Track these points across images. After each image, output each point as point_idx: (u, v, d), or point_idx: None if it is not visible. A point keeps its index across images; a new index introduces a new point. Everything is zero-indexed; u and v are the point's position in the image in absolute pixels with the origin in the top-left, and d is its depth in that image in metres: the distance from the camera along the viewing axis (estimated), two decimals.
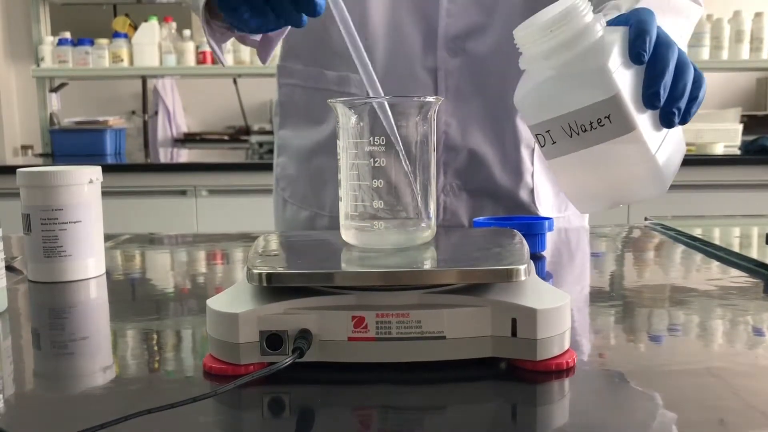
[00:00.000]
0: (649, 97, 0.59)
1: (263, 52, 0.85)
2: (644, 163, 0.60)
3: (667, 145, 0.63)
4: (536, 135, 0.62)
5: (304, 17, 0.64)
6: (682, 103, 0.61)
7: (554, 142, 0.61)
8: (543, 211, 1.04)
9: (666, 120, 0.61)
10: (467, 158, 0.99)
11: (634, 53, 0.59)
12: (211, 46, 0.84)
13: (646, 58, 0.59)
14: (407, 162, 0.55)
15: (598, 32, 0.59)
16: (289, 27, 0.76)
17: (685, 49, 0.66)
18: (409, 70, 0.96)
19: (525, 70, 0.63)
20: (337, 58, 0.99)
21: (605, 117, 0.58)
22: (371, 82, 0.59)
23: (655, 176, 0.62)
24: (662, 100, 0.59)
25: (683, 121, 0.63)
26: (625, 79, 0.59)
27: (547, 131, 0.61)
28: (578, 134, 0.59)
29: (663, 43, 0.61)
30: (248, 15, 0.67)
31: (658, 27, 0.62)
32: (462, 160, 0.99)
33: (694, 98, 0.63)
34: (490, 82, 0.96)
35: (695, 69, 0.63)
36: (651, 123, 0.61)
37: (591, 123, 0.59)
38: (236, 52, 3.06)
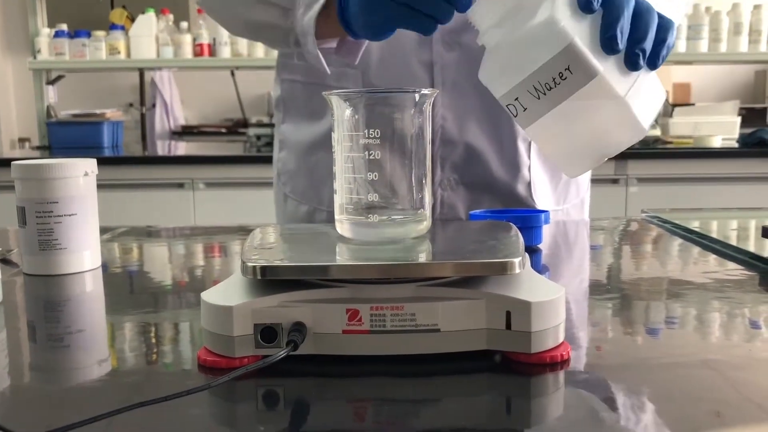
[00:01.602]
0: (606, 41, 0.58)
1: (354, 54, 0.86)
2: (616, 108, 0.60)
3: (639, 89, 0.61)
4: (507, 106, 0.61)
5: (452, 10, 0.66)
6: (647, 45, 0.60)
7: (525, 109, 0.60)
8: (540, 204, 1.04)
9: (631, 62, 0.60)
10: (464, 152, 0.99)
11: (582, 2, 0.58)
12: (319, 62, 0.84)
13: (596, 5, 0.58)
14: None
15: None
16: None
17: (676, 20, 0.65)
18: (405, 64, 0.96)
19: (485, 48, 0.63)
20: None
21: (565, 69, 0.57)
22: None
23: (630, 119, 0.61)
24: (621, 43, 0.59)
25: (652, 64, 0.62)
26: (579, 29, 0.58)
27: (516, 99, 0.60)
28: (545, 94, 0.59)
29: None
30: (394, 23, 0.70)
31: None
32: (459, 153, 0.99)
33: (661, 41, 0.62)
34: None
35: (661, 15, 0.62)
36: (617, 69, 0.60)
37: (554, 79, 0.58)
38: (233, 45, 3.05)
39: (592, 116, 0.60)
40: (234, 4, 0.93)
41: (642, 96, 0.62)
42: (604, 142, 0.64)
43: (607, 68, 0.58)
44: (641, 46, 0.60)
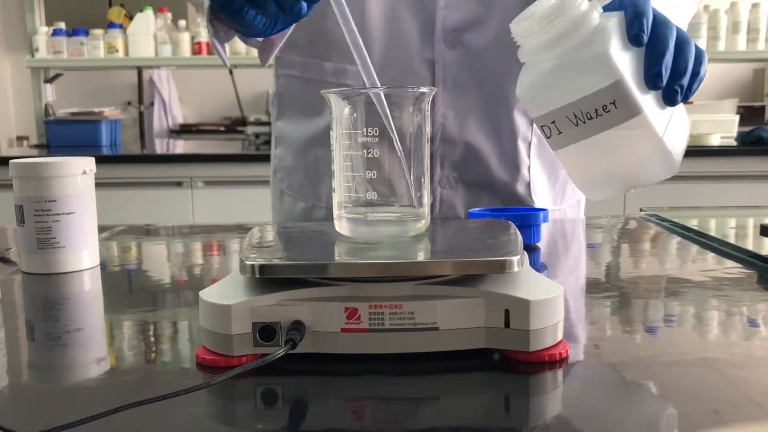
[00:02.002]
0: (651, 78, 0.59)
1: (265, 54, 0.85)
2: (653, 145, 0.60)
3: (673, 125, 0.62)
4: (542, 127, 0.62)
5: (304, 5, 0.64)
6: (685, 81, 0.61)
7: (560, 132, 0.61)
8: (539, 204, 1.04)
9: (669, 98, 0.61)
10: (464, 151, 0.99)
11: (632, 35, 0.59)
12: (214, 47, 0.83)
13: (645, 39, 0.59)
14: (401, 152, 0.55)
15: (595, 19, 0.59)
16: (291, 28, 0.77)
17: (684, 27, 0.66)
18: (407, 62, 0.96)
19: (524, 63, 0.63)
20: (335, 50, 0.99)
21: (610, 103, 0.58)
22: (368, 72, 0.59)
23: (665, 157, 0.62)
24: (665, 80, 0.59)
25: (685, 97, 0.62)
26: (626, 62, 0.59)
27: (553, 122, 0.61)
28: (584, 122, 0.59)
29: (660, 23, 0.60)
30: (252, 14, 0.67)
31: (654, 8, 0.61)
32: (459, 152, 0.99)
33: (695, 74, 0.62)
34: (487, 74, 0.96)
35: (696, 46, 0.63)
36: (656, 104, 0.61)
37: (596, 110, 0.58)
38: (232, 43, 3.03)
39: (627, 149, 0.61)
40: None
41: (675, 131, 0.62)
42: (633, 176, 0.64)
43: (647, 104, 0.59)
44: (681, 82, 0.60)
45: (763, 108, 3.35)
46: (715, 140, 2.70)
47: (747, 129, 2.77)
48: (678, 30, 0.62)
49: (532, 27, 0.60)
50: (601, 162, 0.62)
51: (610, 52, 0.58)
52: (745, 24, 3.02)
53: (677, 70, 0.60)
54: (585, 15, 0.59)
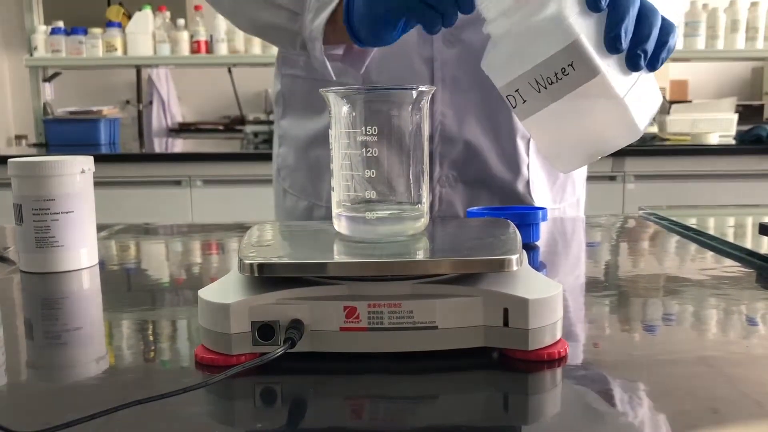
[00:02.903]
0: (610, 41, 0.59)
1: (359, 63, 0.86)
2: (614, 107, 0.60)
3: (637, 90, 0.62)
4: (506, 96, 0.62)
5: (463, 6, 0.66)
6: (649, 46, 0.61)
7: (524, 101, 0.61)
8: (538, 202, 1.04)
9: (632, 63, 0.60)
10: (463, 149, 0.99)
11: (590, 0, 0.59)
12: (325, 68, 0.84)
13: (604, 3, 0.59)
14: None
15: None
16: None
17: (676, 22, 0.66)
18: (406, 60, 0.96)
19: (490, 36, 0.63)
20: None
21: (568, 65, 0.58)
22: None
23: (627, 121, 0.61)
24: (624, 43, 0.59)
25: (652, 66, 0.62)
26: (585, 27, 0.59)
27: (516, 90, 0.61)
28: (545, 88, 0.59)
29: None
30: (401, 28, 0.71)
31: None
32: (458, 151, 0.99)
33: (663, 43, 0.62)
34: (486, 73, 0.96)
35: (664, 18, 0.63)
36: (618, 69, 0.60)
37: (556, 74, 0.58)
38: (230, 42, 3.04)
39: (590, 114, 0.61)
40: (243, 4, 0.93)
41: (640, 98, 0.62)
42: (599, 141, 0.64)
43: (608, 67, 0.59)
44: (643, 47, 0.60)
45: (761, 107, 3.35)
46: (713, 139, 2.70)
47: (746, 128, 2.77)
48: (643, 0, 0.62)
49: None
50: (566, 129, 0.62)
51: (565, 13, 0.58)
52: (744, 23, 3.02)
53: (640, 36, 0.60)
54: None
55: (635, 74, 0.62)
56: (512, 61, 0.60)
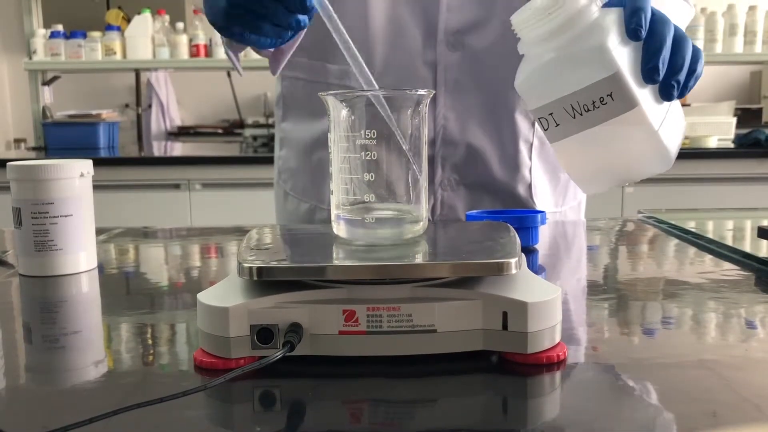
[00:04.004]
0: (648, 72, 0.59)
1: (274, 64, 0.86)
2: (648, 139, 0.61)
3: (669, 120, 0.63)
4: (539, 119, 0.62)
5: (300, 18, 0.66)
6: (682, 76, 0.62)
7: (557, 125, 0.61)
8: (540, 205, 1.04)
9: (665, 93, 0.61)
10: (465, 152, 0.99)
11: (630, 29, 0.59)
12: (229, 58, 0.84)
13: (644, 33, 0.59)
14: (409, 153, 0.55)
15: (594, 12, 0.60)
16: (300, 37, 0.78)
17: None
18: (409, 64, 0.96)
19: (524, 55, 0.63)
20: (339, 51, 0.99)
21: (607, 95, 0.58)
22: (365, 78, 0.59)
23: (660, 152, 0.62)
24: (662, 74, 0.60)
25: (681, 94, 0.63)
26: (624, 56, 0.59)
27: (550, 114, 0.61)
28: (581, 114, 0.60)
29: (658, 20, 0.61)
30: (254, 36, 0.69)
31: (653, 7, 0.62)
32: (460, 154, 0.99)
33: (692, 71, 0.63)
34: (489, 76, 0.96)
35: (694, 45, 0.64)
36: (652, 99, 0.61)
37: (593, 102, 0.59)
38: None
39: (623, 143, 0.61)
40: None
41: (671, 126, 0.63)
42: (630, 169, 0.65)
43: (643, 98, 0.59)
44: (677, 77, 0.61)
45: (760, 110, 3.36)
46: (712, 142, 2.70)
47: (744, 131, 2.77)
48: (676, 28, 0.63)
49: (531, 18, 0.61)
50: (597, 155, 0.63)
51: (608, 44, 0.58)
52: (742, 26, 3.03)
53: (674, 66, 0.61)
54: (584, 8, 0.60)
55: (667, 103, 0.62)
56: (549, 84, 0.61)
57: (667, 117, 0.63)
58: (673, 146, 0.63)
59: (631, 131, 0.60)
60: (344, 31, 0.61)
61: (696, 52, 0.64)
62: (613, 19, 0.60)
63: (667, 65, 0.61)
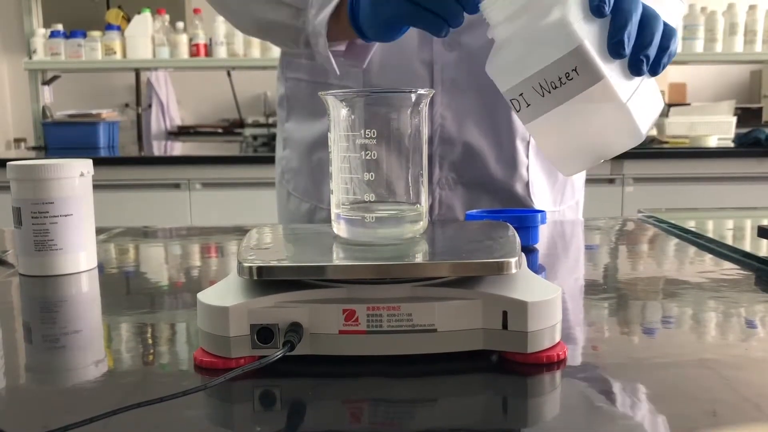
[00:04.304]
0: (613, 46, 0.59)
1: (362, 58, 0.87)
2: (617, 112, 0.61)
3: (640, 95, 0.63)
4: (510, 100, 0.62)
5: (461, 13, 0.68)
6: (651, 51, 0.61)
7: (528, 105, 0.61)
8: (538, 204, 1.04)
9: (635, 68, 0.61)
10: (462, 151, 0.99)
11: (594, 6, 0.59)
12: (329, 63, 0.85)
13: (607, 10, 0.59)
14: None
15: None
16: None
17: (675, 26, 0.66)
18: (406, 63, 0.96)
19: (494, 41, 0.64)
20: None
21: (572, 70, 0.59)
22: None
23: (630, 125, 0.62)
24: (627, 48, 0.60)
25: (654, 71, 0.63)
26: (589, 32, 0.59)
27: (520, 94, 0.61)
28: (549, 92, 0.60)
29: None
30: (403, 27, 0.72)
31: None
32: (457, 153, 0.99)
33: (664, 48, 0.63)
34: (485, 75, 0.96)
35: (665, 23, 0.64)
36: (621, 74, 0.61)
37: (560, 78, 0.59)
38: (229, 45, 3.05)
39: (593, 118, 0.61)
40: (246, 3, 0.93)
41: (642, 102, 0.62)
42: (601, 145, 0.64)
43: (611, 72, 0.59)
44: (645, 52, 0.61)
45: (760, 110, 3.36)
46: (712, 142, 2.70)
47: (744, 131, 2.77)
48: (645, 6, 0.62)
49: (495, 2, 0.61)
50: (570, 132, 0.63)
51: (569, 18, 0.58)
52: (742, 26, 3.03)
53: (642, 41, 0.61)
54: None
55: (637, 79, 0.62)
56: (516, 65, 0.61)
57: (637, 91, 0.62)
58: (644, 121, 0.63)
59: (600, 106, 0.60)
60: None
61: (668, 30, 0.64)
62: None
63: (635, 40, 0.60)
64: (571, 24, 0.58)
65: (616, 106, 0.60)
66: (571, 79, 0.59)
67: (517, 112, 0.62)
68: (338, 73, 0.88)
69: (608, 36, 0.60)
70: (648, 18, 0.62)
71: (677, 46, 0.65)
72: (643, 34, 0.61)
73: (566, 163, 0.67)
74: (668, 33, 0.63)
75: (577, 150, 0.65)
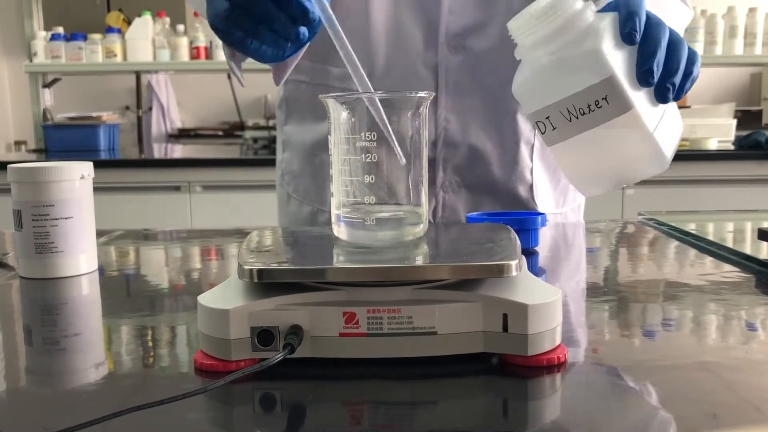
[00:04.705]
0: (643, 75, 0.60)
1: (278, 75, 0.85)
2: (644, 141, 0.61)
3: (665, 122, 0.63)
4: (536, 122, 0.63)
5: (303, 31, 0.65)
6: (677, 79, 0.62)
7: (554, 128, 0.62)
8: (542, 207, 1.04)
9: (661, 95, 0.62)
10: (467, 154, 0.99)
11: (625, 33, 0.60)
12: (230, 68, 0.83)
13: (638, 37, 0.60)
14: (401, 155, 0.55)
15: (589, 17, 0.61)
16: (302, 52, 0.76)
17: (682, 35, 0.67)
18: (411, 66, 0.96)
19: (521, 61, 0.64)
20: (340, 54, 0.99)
21: (602, 98, 0.59)
22: (360, 80, 0.59)
23: (656, 154, 0.63)
24: (656, 77, 0.60)
25: (677, 96, 0.64)
26: (619, 60, 0.60)
27: (547, 117, 0.62)
28: (577, 118, 0.60)
29: (653, 24, 0.62)
30: (256, 44, 0.67)
31: (648, 11, 0.63)
32: (461, 156, 0.99)
33: (688, 74, 0.64)
34: (490, 78, 0.97)
35: (689, 48, 0.64)
36: (648, 101, 0.62)
37: (589, 106, 0.60)
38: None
39: (619, 145, 0.62)
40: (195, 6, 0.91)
41: (666, 128, 0.63)
42: (626, 170, 0.65)
43: (639, 101, 0.60)
44: (672, 80, 0.62)
45: (760, 112, 3.36)
46: (712, 144, 2.70)
47: (744, 133, 2.77)
48: (671, 31, 0.63)
49: (527, 24, 0.61)
50: (594, 157, 0.63)
51: (602, 48, 0.59)
52: (742, 28, 3.03)
53: (669, 69, 0.62)
54: (579, 13, 0.60)
55: (663, 106, 0.63)
56: (545, 89, 0.62)
57: (662, 119, 0.63)
58: (669, 148, 0.64)
59: (627, 134, 0.61)
60: (348, 45, 0.60)
61: (692, 54, 0.64)
62: (607, 23, 0.61)
63: (662, 68, 0.61)
64: (604, 53, 0.59)
65: (643, 134, 0.61)
66: (601, 107, 0.59)
67: (542, 134, 0.63)
68: (243, 85, 0.86)
69: (637, 64, 0.60)
70: (674, 44, 0.62)
71: (699, 69, 0.65)
72: (670, 62, 0.62)
73: (588, 185, 0.68)
74: (692, 58, 0.64)
75: (600, 174, 0.66)
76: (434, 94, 0.60)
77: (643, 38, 0.60)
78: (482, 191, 1.02)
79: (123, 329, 0.62)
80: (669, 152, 0.64)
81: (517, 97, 0.64)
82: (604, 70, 0.59)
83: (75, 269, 0.79)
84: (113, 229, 1.09)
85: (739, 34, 3.03)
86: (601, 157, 0.63)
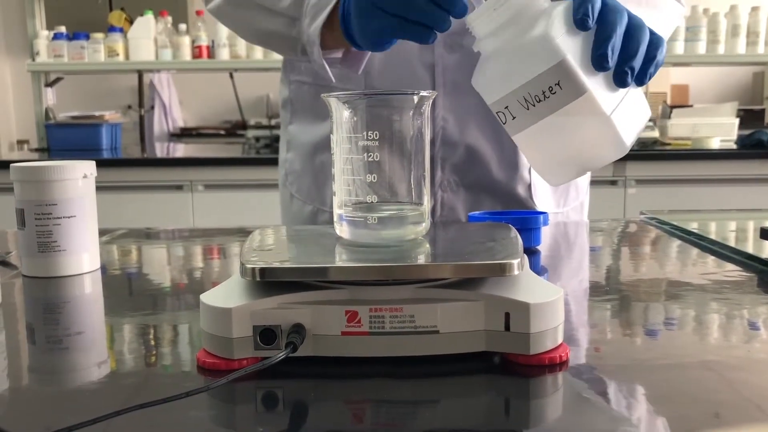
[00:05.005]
0: (597, 59, 0.59)
1: (357, 65, 0.87)
2: (601, 125, 0.61)
3: (624, 107, 0.63)
4: (497, 113, 0.63)
5: (449, 20, 0.68)
6: (636, 63, 0.61)
7: (514, 118, 0.62)
8: (540, 206, 1.04)
9: (619, 80, 0.61)
10: (465, 153, 0.99)
11: (578, 19, 0.60)
12: (325, 71, 0.86)
13: (591, 22, 0.59)
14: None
15: (542, 5, 0.61)
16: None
17: (665, 35, 0.66)
18: (407, 66, 0.96)
19: (480, 54, 0.64)
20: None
21: (555, 84, 0.59)
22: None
23: (614, 138, 0.62)
24: (611, 61, 0.60)
25: (640, 81, 0.63)
26: (573, 46, 0.60)
27: (506, 107, 0.62)
28: (534, 106, 0.60)
29: (610, 9, 0.61)
30: (390, 34, 0.72)
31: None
32: (459, 155, 0.99)
33: (651, 59, 0.63)
34: None
35: (652, 33, 0.63)
36: (606, 86, 0.61)
37: (543, 92, 0.59)
38: (232, 47, 3.05)
39: (578, 131, 0.61)
40: (242, 13, 0.94)
41: (627, 113, 0.63)
42: (586, 156, 0.65)
43: (595, 85, 0.60)
44: (630, 63, 0.61)
45: (762, 111, 3.35)
46: (715, 143, 2.70)
47: (747, 132, 2.77)
48: (631, 16, 0.62)
49: (483, 15, 0.62)
50: (554, 145, 0.63)
51: (552, 33, 0.59)
52: (745, 27, 3.03)
53: (627, 53, 0.61)
54: (533, 1, 0.60)
55: (622, 91, 0.62)
56: (501, 78, 0.62)
57: (622, 103, 0.62)
58: (629, 133, 0.63)
59: (584, 119, 0.60)
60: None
61: (655, 39, 0.63)
62: (560, 10, 0.60)
63: (620, 52, 0.60)
64: (553, 38, 0.59)
65: (600, 119, 0.60)
66: (555, 93, 0.59)
67: (504, 124, 0.63)
68: (334, 80, 0.88)
69: (592, 49, 0.60)
70: (633, 28, 0.62)
71: (665, 54, 0.65)
72: (628, 46, 0.61)
73: (552, 173, 0.68)
74: (655, 42, 0.63)
75: (563, 161, 0.66)
76: (436, 93, 0.60)
77: (598, 23, 0.60)
78: (481, 190, 1.02)
79: (125, 328, 0.62)
80: (628, 137, 0.63)
81: (477, 89, 0.64)
82: (554, 55, 0.58)
83: (77, 268, 0.79)
84: (115, 228, 1.09)
85: (742, 33, 3.02)
86: (562, 144, 0.63)
